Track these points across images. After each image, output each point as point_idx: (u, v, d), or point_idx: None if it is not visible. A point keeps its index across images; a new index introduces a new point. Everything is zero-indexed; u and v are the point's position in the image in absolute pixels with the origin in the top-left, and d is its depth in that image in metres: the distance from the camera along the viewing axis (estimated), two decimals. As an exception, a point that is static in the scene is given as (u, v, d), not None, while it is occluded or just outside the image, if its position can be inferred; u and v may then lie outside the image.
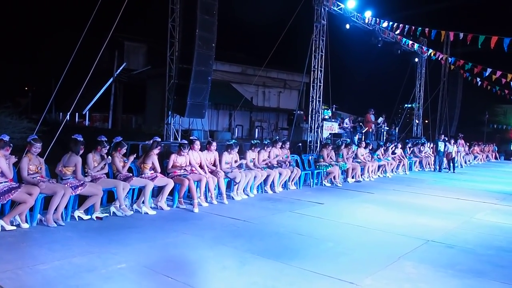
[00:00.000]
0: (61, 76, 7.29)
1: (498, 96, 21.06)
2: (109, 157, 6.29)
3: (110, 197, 6.31)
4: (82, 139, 5.81)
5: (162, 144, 6.84)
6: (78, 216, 5.59)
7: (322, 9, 12.64)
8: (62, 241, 4.65)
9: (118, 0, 7.85)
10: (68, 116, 9.88)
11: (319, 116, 12.97)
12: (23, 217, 5.09)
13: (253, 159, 8.55)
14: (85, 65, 8.15)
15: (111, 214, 5.90)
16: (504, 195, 9.89)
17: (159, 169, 6.72)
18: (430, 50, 17.94)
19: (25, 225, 5.07)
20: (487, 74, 15.75)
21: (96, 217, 5.66)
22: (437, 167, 15.21)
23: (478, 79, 18.44)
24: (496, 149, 25.17)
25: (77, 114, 25.66)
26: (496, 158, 24.39)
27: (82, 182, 5.62)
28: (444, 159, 15.22)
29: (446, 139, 15.85)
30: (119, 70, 23.95)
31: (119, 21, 7.96)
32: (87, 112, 25.27)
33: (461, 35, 13.20)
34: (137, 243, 4.76)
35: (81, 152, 5.80)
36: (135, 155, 6.62)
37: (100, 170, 6.08)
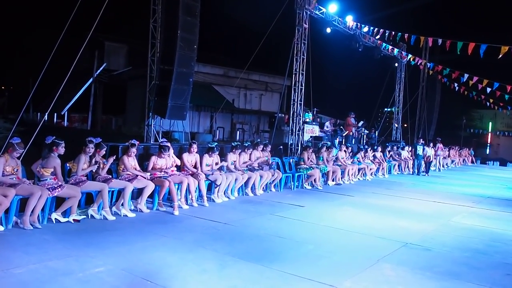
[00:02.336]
0: (39, 76, 7.14)
1: (474, 101, 21.59)
2: (105, 161, 6.27)
3: (88, 199, 6.20)
4: (61, 141, 5.70)
5: (136, 146, 6.72)
6: (55, 219, 5.46)
7: (304, 13, 12.73)
8: (38, 244, 4.55)
9: (98, -1, 7.75)
10: (46, 117, 9.66)
11: (300, 119, 13.04)
12: (-2, 219, 4.95)
13: (234, 161, 8.54)
14: (64, 64, 7.99)
15: (89, 217, 5.80)
16: (480, 198, 10.14)
17: (132, 169, 6.61)
18: (410, 55, 18.28)
19: (0, 228, 4.93)
20: (464, 79, 16.13)
21: (74, 219, 5.54)
22: (416, 171, 15.47)
23: (456, 84, 18.86)
24: (473, 153, 25.75)
25: (55, 114, 25.12)
26: (472, 162, 24.95)
27: (60, 183, 5.50)
28: (423, 162, 15.51)
29: (424, 142, 16.14)
30: (99, 71, 23.59)
31: (100, 21, 7.84)
32: (66, 113, 24.78)
33: (440, 41, 13.49)
34: (115, 246, 4.68)
35: (60, 152, 5.68)
36: (114, 157, 6.52)
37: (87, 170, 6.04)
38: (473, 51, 11.78)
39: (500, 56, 11.23)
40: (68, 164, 6.08)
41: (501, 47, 11.27)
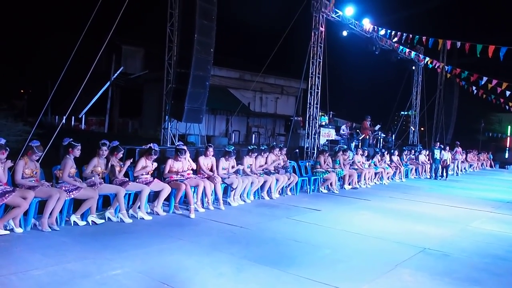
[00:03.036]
0: (58, 79, 7.25)
1: (493, 105, 21.18)
2: (121, 164, 6.37)
3: (105, 202, 6.27)
4: (78, 143, 5.78)
5: (156, 151, 6.76)
6: (74, 221, 5.53)
7: (321, 16, 12.69)
8: (56, 246, 4.60)
9: (116, 3, 7.84)
10: (64, 120, 9.83)
11: (316, 122, 12.97)
12: (17, 221, 5.03)
13: (250, 165, 8.53)
14: (82, 68, 8.10)
15: (106, 219, 5.85)
16: (499, 203, 9.91)
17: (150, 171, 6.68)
18: (427, 58, 18.04)
19: (19, 230, 5.01)
20: (483, 82, 15.83)
21: (92, 220, 5.60)
22: (433, 175, 15.23)
23: (474, 88, 18.53)
24: (491, 157, 25.28)
25: (73, 117, 25.54)
26: (491, 166, 24.49)
27: (77, 185, 5.57)
28: (440, 166, 15.27)
29: (442, 146, 15.89)
30: (116, 74, 23.92)
31: (117, 25, 7.93)
32: (83, 116, 25.18)
33: (459, 44, 13.27)
34: (132, 249, 4.71)
35: (76, 155, 5.76)
36: (131, 160, 6.58)
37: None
38: (493, 54, 11.55)
39: None
40: (85, 167, 6.14)
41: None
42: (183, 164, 7.08)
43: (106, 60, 23.53)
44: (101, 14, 7.85)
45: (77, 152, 5.78)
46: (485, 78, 15.66)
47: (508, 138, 34.84)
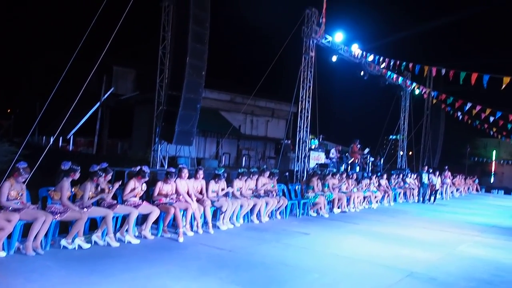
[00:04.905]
0: (48, 99, 7.23)
1: (478, 130, 21.56)
2: (110, 186, 6.28)
3: (92, 225, 6.18)
4: (78, 167, 5.74)
5: (147, 173, 6.73)
6: (63, 245, 5.41)
7: (311, 42, 12.95)
8: (41, 271, 4.51)
9: (109, 24, 7.91)
10: (51, 140, 9.74)
11: (306, 145, 13.07)
12: (0, 244, 4.89)
13: (240, 188, 8.52)
14: (72, 88, 8.10)
15: (93, 243, 5.75)
16: (485, 227, 10.01)
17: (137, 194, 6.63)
18: (414, 84, 18.42)
19: (2, 254, 4.89)
20: (467, 108, 16.15)
21: (78, 244, 5.49)
22: (421, 199, 15.34)
23: (459, 113, 18.90)
24: (477, 181, 25.59)
25: (61, 138, 25.30)
26: (477, 190, 24.76)
27: (66, 207, 5.49)
28: (428, 190, 15.40)
29: (431, 170, 16.06)
30: (106, 95, 23.90)
31: (109, 45, 7.98)
32: (72, 137, 24.96)
33: (443, 71, 13.59)
34: (119, 273, 4.63)
35: (75, 178, 5.71)
36: (120, 182, 6.53)
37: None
38: (476, 81, 11.84)
39: (503, 87, 11.27)
40: (73, 189, 6.05)
41: (503, 78, 11.32)
42: (172, 187, 7.04)
43: (97, 81, 23.51)
44: (93, 34, 7.90)
45: (77, 176, 5.75)
46: (469, 104, 16.00)
47: (493, 163, 35.36)
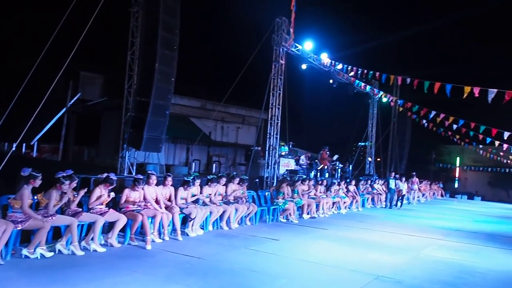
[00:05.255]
0: (10, 105, 7.01)
1: (443, 137, 22.36)
2: (75, 193, 6.09)
3: (56, 234, 5.99)
4: (39, 174, 5.54)
5: (114, 180, 6.60)
6: (25, 255, 5.22)
7: (281, 50, 13.13)
8: (1, 282, 4.35)
9: (75, 29, 7.77)
10: (14, 147, 9.43)
11: (276, 152, 13.17)
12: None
13: (209, 194, 8.49)
14: (37, 93, 7.88)
15: (57, 252, 5.58)
16: (449, 231, 10.35)
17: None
18: (381, 92, 18.95)
19: (-40, 264, 4.70)
20: (431, 116, 16.74)
21: (40, 253, 5.32)
22: (388, 204, 15.71)
23: (425, 121, 19.55)
24: (442, 186, 26.46)
25: (24, 144, 24.42)
26: (442, 195, 25.59)
27: (27, 216, 5.31)
28: (395, 196, 15.79)
29: (398, 176, 16.51)
30: (73, 100, 23.31)
31: (76, 50, 7.81)
32: (35, 143, 24.14)
33: (408, 80, 14.08)
34: (83, 282, 4.52)
35: (36, 185, 5.51)
36: (86, 189, 6.38)
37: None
38: (439, 90, 12.33)
39: (465, 96, 11.78)
40: (36, 197, 5.86)
41: (464, 87, 11.84)
42: (140, 194, 6.94)
43: (63, 86, 22.91)
44: (60, 39, 7.73)
45: (38, 183, 5.53)
46: (434, 112, 16.59)
47: (457, 169, 36.68)
